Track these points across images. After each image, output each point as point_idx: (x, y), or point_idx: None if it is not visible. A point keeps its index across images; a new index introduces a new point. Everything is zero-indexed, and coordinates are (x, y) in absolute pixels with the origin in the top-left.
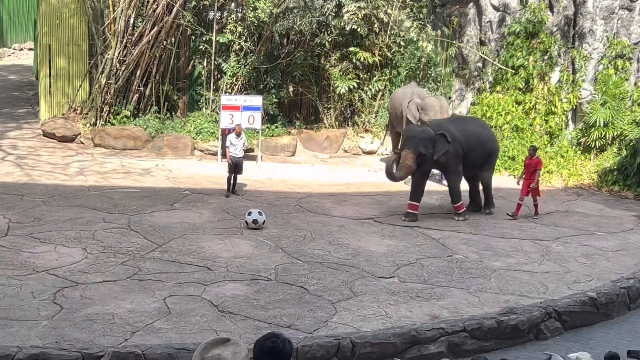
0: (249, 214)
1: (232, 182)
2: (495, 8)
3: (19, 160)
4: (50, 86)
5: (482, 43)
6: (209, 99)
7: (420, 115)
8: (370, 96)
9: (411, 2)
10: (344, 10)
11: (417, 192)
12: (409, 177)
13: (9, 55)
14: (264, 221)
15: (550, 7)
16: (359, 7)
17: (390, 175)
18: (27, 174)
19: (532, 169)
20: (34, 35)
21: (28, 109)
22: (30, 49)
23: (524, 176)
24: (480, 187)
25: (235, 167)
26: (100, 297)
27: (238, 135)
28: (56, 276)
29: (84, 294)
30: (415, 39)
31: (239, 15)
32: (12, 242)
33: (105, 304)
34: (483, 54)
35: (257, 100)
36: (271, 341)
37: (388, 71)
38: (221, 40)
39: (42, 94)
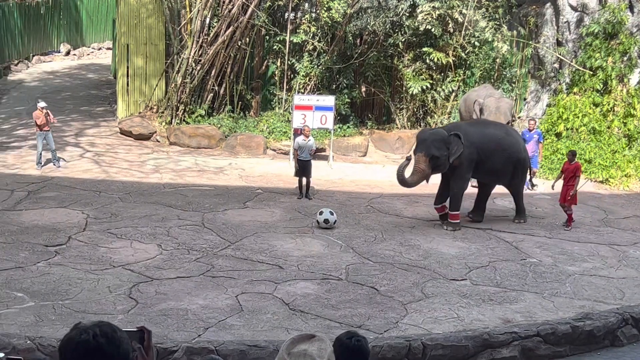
0: (320, 213)
1: (303, 185)
2: (573, 8)
3: (97, 158)
4: (127, 85)
5: (559, 44)
6: (281, 98)
7: (480, 116)
8: (443, 97)
9: (487, 2)
10: (418, 10)
11: (443, 194)
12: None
13: (88, 54)
14: (335, 221)
15: (631, 8)
16: (433, 7)
17: (402, 181)
18: (105, 171)
19: (570, 174)
20: (113, 34)
21: (106, 107)
22: (108, 48)
23: (561, 182)
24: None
25: (303, 170)
26: (175, 293)
27: (306, 137)
28: (132, 271)
29: (159, 290)
30: (490, 40)
31: (313, 15)
32: (90, 237)
33: (179, 300)
34: (560, 54)
35: (329, 100)
36: (356, 339)
37: (462, 72)
38: (295, 40)
39: (120, 92)
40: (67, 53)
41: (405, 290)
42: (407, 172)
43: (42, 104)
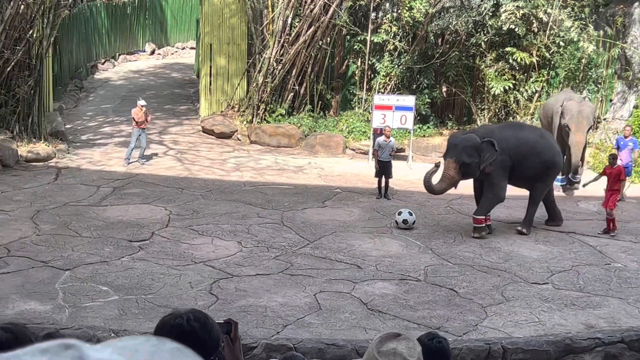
0: (399, 213)
1: (382, 186)
2: None
3: (180, 155)
4: (210, 84)
5: None
6: (361, 98)
7: (560, 120)
8: (526, 97)
9: (572, 2)
10: (502, 10)
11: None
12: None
13: (172, 53)
14: (414, 221)
15: None
16: (517, 6)
17: (429, 187)
18: (187, 169)
19: (613, 178)
20: (196, 34)
21: (189, 105)
22: (192, 48)
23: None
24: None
25: (383, 171)
26: (254, 290)
27: (387, 137)
28: (213, 268)
29: (239, 286)
30: (575, 39)
31: (394, 15)
32: (172, 233)
33: (258, 297)
34: None
35: (409, 100)
36: (437, 341)
37: (546, 72)
38: (375, 40)
39: (203, 91)
40: (152, 52)
41: (485, 292)
42: (435, 179)
43: (142, 102)
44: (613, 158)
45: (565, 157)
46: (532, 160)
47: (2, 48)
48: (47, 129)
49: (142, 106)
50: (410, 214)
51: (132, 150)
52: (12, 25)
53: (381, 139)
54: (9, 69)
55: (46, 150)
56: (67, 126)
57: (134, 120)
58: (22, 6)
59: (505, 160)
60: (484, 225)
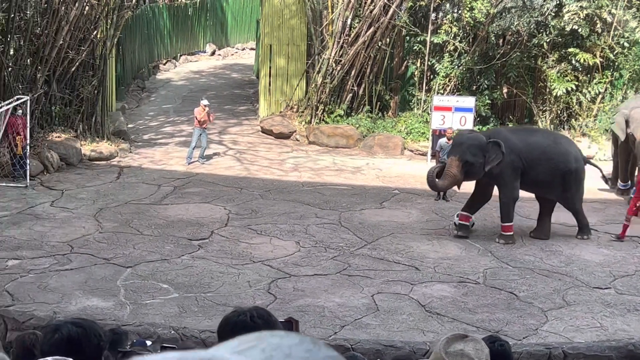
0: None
1: None
2: None
3: (239, 155)
4: (269, 85)
5: None
6: (420, 99)
7: (627, 128)
8: (589, 99)
9: (638, 2)
10: (565, 10)
11: (473, 205)
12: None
13: (232, 54)
14: (473, 224)
15: None
16: (581, 6)
17: (432, 184)
18: (246, 168)
19: None
20: (256, 35)
21: (248, 106)
22: (251, 49)
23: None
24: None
25: None
26: (312, 290)
27: (449, 139)
28: (271, 267)
29: (297, 286)
30: None
31: (455, 15)
32: (231, 232)
33: (316, 297)
34: None
35: (469, 101)
36: (500, 344)
37: (609, 73)
38: (435, 41)
39: (262, 92)
40: (213, 53)
41: (545, 296)
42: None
43: (205, 101)
44: None
45: (630, 165)
46: (543, 165)
47: (67, 48)
48: (110, 129)
49: (205, 106)
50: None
51: (193, 149)
52: (77, 26)
53: (443, 140)
54: (73, 69)
55: (109, 149)
56: (129, 126)
57: (196, 119)
58: (87, 7)
59: (515, 160)
60: (512, 232)
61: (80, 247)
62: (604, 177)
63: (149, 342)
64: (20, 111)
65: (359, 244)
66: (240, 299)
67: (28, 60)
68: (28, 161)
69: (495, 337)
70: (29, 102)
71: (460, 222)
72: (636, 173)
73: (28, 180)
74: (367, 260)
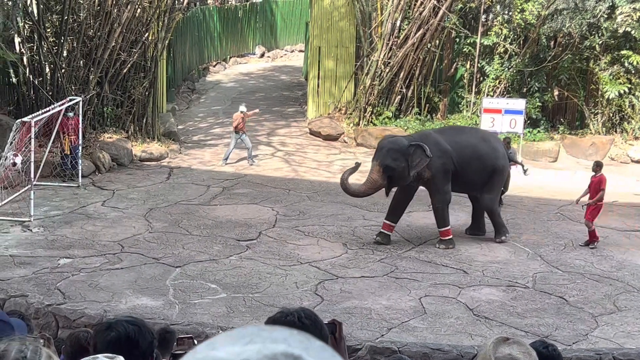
0: None
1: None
2: None
3: (287, 157)
4: (318, 86)
5: None
6: (469, 101)
7: None
8: None
9: None
10: (618, 12)
11: (394, 210)
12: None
13: (281, 56)
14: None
15: None
16: (634, 8)
17: (344, 187)
18: (294, 170)
19: (595, 186)
20: (305, 37)
21: (297, 108)
22: (300, 51)
23: (587, 198)
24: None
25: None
26: (359, 292)
27: (508, 148)
28: (318, 268)
29: (344, 288)
30: None
31: (505, 17)
32: (279, 233)
33: (363, 299)
34: None
35: (519, 103)
36: (553, 349)
37: None
38: (485, 43)
39: (311, 94)
40: (262, 55)
41: (595, 302)
42: (355, 179)
43: (243, 107)
44: (597, 166)
45: None
46: (474, 165)
47: (119, 50)
48: (160, 130)
49: (242, 112)
50: None
51: (231, 152)
52: (129, 28)
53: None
54: (125, 70)
55: (159, 150)
56: (179, 127)
57: (234, 124)
58: (139, 10)
59: (447, 163)
60: (451, 237)
61: (130, 246)
62: (522, 165)
63: (196, 342)
64: (72, 113)
65: (407, 246)
66: (288, 300)
67: (81, 62)
68: (80, 161)
69: (547, 342)
70: (81, 102)
71: (382, 230)
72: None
73: (80, 180)
74: (414, 263)
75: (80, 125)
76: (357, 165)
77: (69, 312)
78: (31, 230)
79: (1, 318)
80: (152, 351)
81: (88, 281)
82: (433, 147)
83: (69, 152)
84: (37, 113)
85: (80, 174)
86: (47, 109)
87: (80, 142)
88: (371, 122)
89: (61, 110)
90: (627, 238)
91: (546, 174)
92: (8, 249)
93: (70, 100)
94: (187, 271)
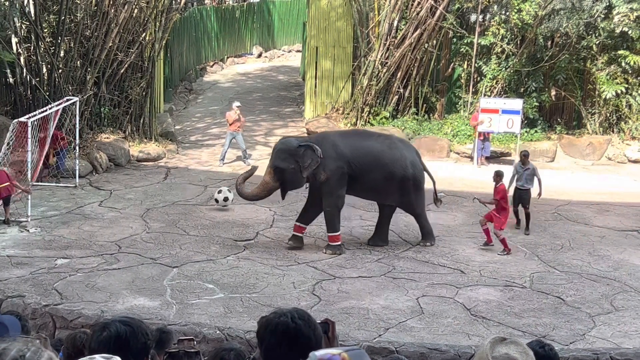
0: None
1: (519, 216)
2: None
3: None
4: (315, 87)
5: None
6: (467, 101)
7: None
8: (639, 102)
9: None
10: (615, 12)
11: (305, 213)
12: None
13: (279, 56)
14: (233, 199)
15: None
16: (631, 8)
17: (239, 191)
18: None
19: (496, 195)
20: (303, 37)
21: (294, 108)
22: (297, 51)
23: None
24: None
25: (520, 200)
26: (356, 292)
27: (524, 163)
28: (315, 269)
29: (341, 288)
30: None
31: (502, 17)
32: (277, 233)
33: (360, 299)
34: None
35: (517, 103)
36: (550, 348)
37: None
38: (483, 43)
39: (308, 94)
40: (259, 55)
41: (593, 302)
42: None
43: (237, 103)
44: (497, 176)
45: None
46: (377, 172)
47: (116, 50)
48: (157, 130)
49: (237, 107)
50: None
51: (226, 151)
52: (126, 28)
53: (518, 164)
54: (122, 71)
55: (156, 150)
56: (176, 127)
57: (228, 122)
58: (136, 10)
59: (342, 167)
60: (340, 243)
61: (127, 246)
62: (435, 194)
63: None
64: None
65: (404, 246)
66: (285, 300)
67: (78, 62)
68: (77, 161)
69: (544, 342)
70: (78, 103)
71: (294, 232)
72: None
73: (77, 180)
74: (412, 263)
75: (77, 126)
76: (254, 169)
77: (66, 313)
78: (28, 230)
79: None
80: (146, 352)
81: (85, 281)
82: (329, 149)
83: (53, 163)
84: (34, 113)
85: (77, 174)
86: (44, 109)
87: (77, 141)
88: (369, 122)
89: (58, 110)
90: (625, 238)
91: (543, 174)
92: (5, 249)
93: (67, 100)
94: (185, 271)
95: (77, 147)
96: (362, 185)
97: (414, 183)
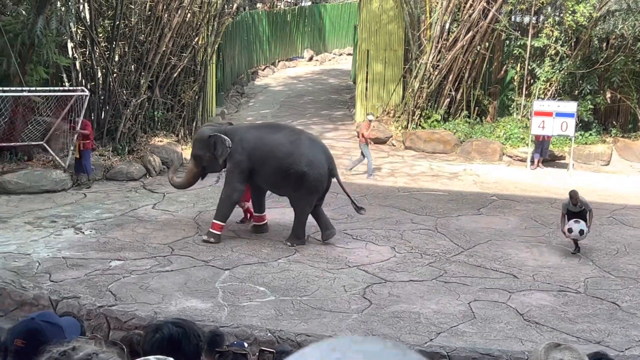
0: (577, 221)
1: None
2: None
3: (335, 160)
4: (366, 90)
5: None
6: (520, 104)
7: None
8: None
9: None
10: None
11: (255, 204)
12: None
13: (330, 59)
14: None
15: None
16: None
17: (171, 183)
18: (342, 173)
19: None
20: (354, 40)
21: (345, 111)
22: (348, 54)
23: None
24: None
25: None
26: (407, 296)
27: (575, 204)
28: (366, 272)
29: (392, 292)
30: None
31: (556, 19)
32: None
33: (411, 303)
34: None
35: (571, 106)
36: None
37: None
38: (536, 45)
39: (359, 97)
40: (310, 58)
41: None
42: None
43: (371, 117)
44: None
45: None
46: (270, 164)
47: (170, 55)
48: None
49: (370, 121)
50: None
51: (371, 163)
52: (179, 33)
53: (567, 202)
54: (175, 75)
55: None
56: None
57: (362, 135)
58: (189, 15)
59: (242, 161)
60: (219, 232)
61: (180, 249)
62: (353, 203)
63: (246, 344)
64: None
65: (456, 250)
66: (336, 303)
67: (132, 67)
68: (91, 168)
69: (602, 354)
70: (87, 99)
71: (255, 223)
72: None
73: (89, 182)
74: (463, 267)
75: (81, 118)
76: (178, 163)
77: (120, 314)
78: (83, 232)
79: (50, 320)
80: (199, 353)
81: (139, 283)
82: (237, 143)
83: (78, 156)
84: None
85: (88, 180)
86: (55, 88)
87: (93, 147)
88: (420, 125)
89: (73, 96)
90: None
91: (598, 177)
92: (61, 251)
93: (82, 90)
94: (236, 274)
95: (90, 153)
96: (259, 177)
97: (303, 181)
